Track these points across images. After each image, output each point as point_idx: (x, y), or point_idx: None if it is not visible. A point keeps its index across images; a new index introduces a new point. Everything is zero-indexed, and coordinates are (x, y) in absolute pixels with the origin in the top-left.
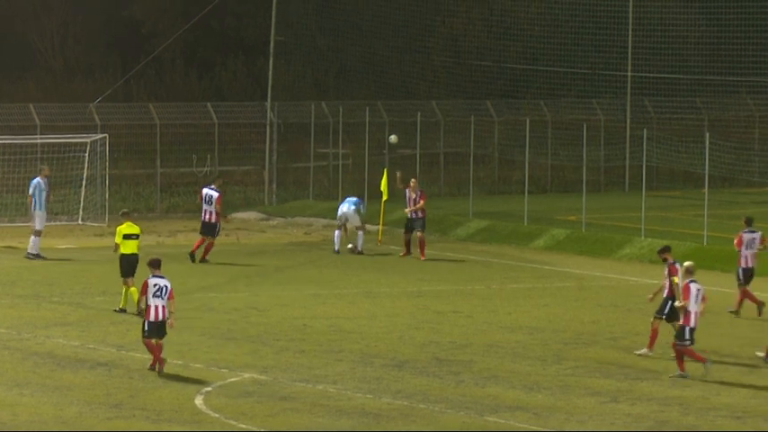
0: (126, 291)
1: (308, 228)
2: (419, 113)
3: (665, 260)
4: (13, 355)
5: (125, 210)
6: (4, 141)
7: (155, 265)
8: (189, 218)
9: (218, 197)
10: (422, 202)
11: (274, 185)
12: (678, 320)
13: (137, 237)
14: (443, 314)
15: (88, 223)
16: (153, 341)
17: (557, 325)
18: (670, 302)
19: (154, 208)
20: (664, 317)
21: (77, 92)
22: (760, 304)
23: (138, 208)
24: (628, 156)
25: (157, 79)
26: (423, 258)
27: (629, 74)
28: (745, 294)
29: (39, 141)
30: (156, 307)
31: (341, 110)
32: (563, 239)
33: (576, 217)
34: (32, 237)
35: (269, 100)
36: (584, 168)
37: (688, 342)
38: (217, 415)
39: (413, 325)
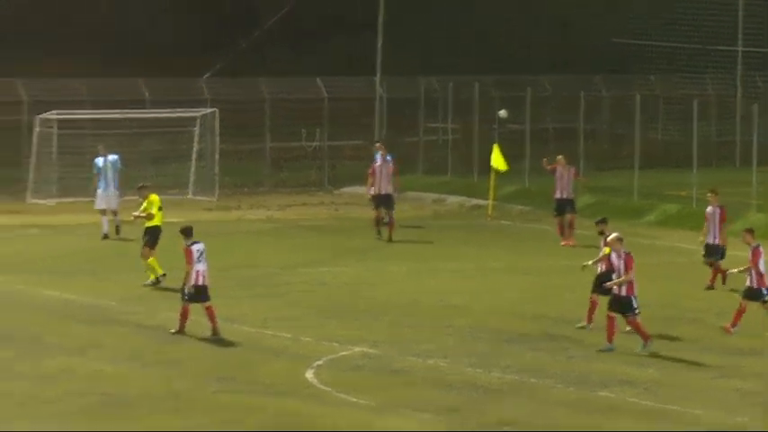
0: (152, 261)
1: (418, 202)
2: (528, 88)
3: (601, 233)
4: (124, 329)
5: (146, 183)
6: (114, 116)
7: (190, 232)
8: (298, 192)
9: (394, 168)
10: (575, 177)
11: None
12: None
13: (161, 209)
14: (553, 289)
15: (198, 197)
16: (190, 306)
17: (666, 300)
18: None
19: (263, 183)
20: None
21: (188, 67)
22: None
23: (246, 182)
24: (739, 131)
25: (267, 54)
26: (571, 244)
27: (740, 49)
28: None
29: (149, 116)
30: (199, 271)
31: (450, 85)
32: (674, 215)
33: (686, 192)
34: (108, 216)
35: (378, 75)
36: (695, 143)
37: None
38: (327, 388)
39: (523, 300)
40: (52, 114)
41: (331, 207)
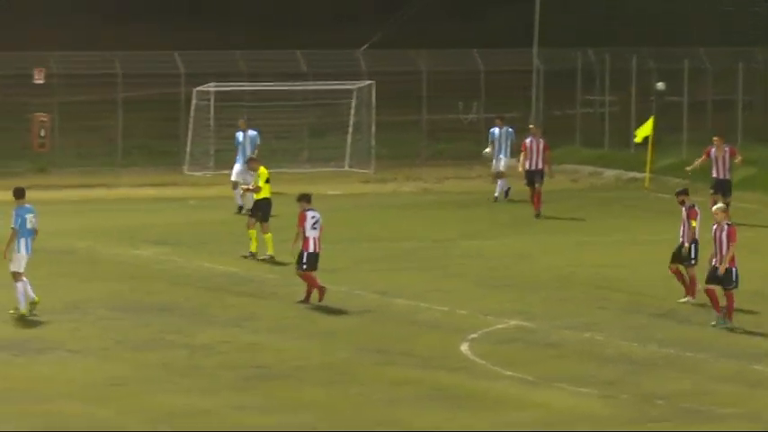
0: (255, 234)
1: (575, 174)
2: (686, 60)
3: (682, 203)
4: (280, 301)
5: (253, 156)
6: (271, 88)
7: (308, 199)
8: (455, 165)
9: (545, 144)
10: (731, 157)
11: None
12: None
13: (268, 181)
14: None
15: (355, 170)
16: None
17: None
18: (694, 246)
19: (419, 155)
20: (693, 262)
21: (344, 39)
22: None
23: (403, 155)
24: None
25: (423, 26)
26: None
27: None
28: None
29: (306, 88)
30: (314, 239)
31: (607, 57)
32: None
33: None
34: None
35: (535, 47)
36: None
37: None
38: (483, 362)
39: None
40: (210, 87)
41: (487, 179)
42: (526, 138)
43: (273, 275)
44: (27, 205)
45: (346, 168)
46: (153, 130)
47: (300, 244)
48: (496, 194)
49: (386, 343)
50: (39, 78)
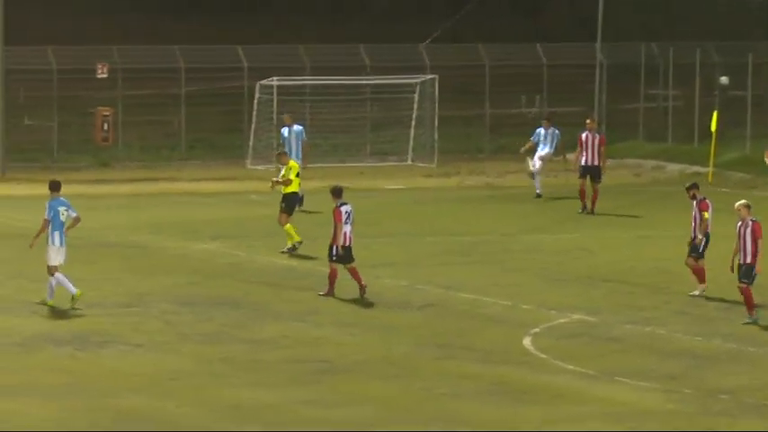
0: (288, 228)
1: (638, 169)
2: (750, 54)
3: (693, 197)
4: (343, 295)
5: (284, 149)
6: (334, 82)
7: (340, 193)
8: (517, 159)
9: (601, 138)
10: None
11: (603, 127)
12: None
13: (298, 175)
14: None
15: (417, 164)
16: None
17: None
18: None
19: (482, 149)
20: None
21: (406, 33)
22: None
23: (465, 149)
24: None
25: (486, 20)
26: None
27: None
28: None
29: (369, 82)
30: (346, 233)
31: (671, 51)
32: None
33: None
34: None
35: (598, 41)
36: None
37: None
38: (544, 356)
39: None
40: (272, 81)
41: (550, 174)
42: (582, 132)
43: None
44: (61, 198)
45: (409, 162)
46: (215, 123)
47: (340, 240)
48: (538, 191)
49: (447, 337)
50: (102, 73)
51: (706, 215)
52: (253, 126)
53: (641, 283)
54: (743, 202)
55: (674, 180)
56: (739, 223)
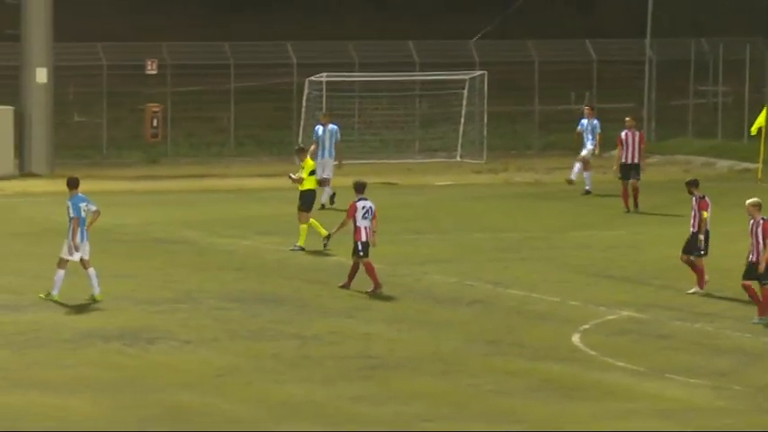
0: (316, 222)
1: (687, 165)
2: None
3: (691, 193)
4: (391, 291)
5: (303, 145)
6: (384, 78)
7: (361, 188)
8: (566, 155)
9: (641, 136)
10: None
11: (653, 123)
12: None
13: (313, 173)
14: None
15: (466, 160)
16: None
17: None
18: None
19: (531, 145)
20: (702, 253)
21: (456, 29)
22: None
23: (514, 145)
24: None
25: (536, 16)
26: None
27: None
28: None
29: (418, 78)
30: (366, 228)
31: (720, 47)
32: None
33: None
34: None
35: (648, 37)
36: None
37: None
38: (594, 353)
39: None
40: (321, 77)
41: (599, 170)
42: (622, 131)
43: (384, 266)
44: (80, 194)
45: (458, 159)
46: (264, 120)
47: (349, 232)
48: (587, 187)
49: (496, 334)
50: (151, 69)
51: (705, 214)
52: (302, 122)
53: (691, 279)
54: (752, 200)
55: (724, 177)
56: (752, 221)
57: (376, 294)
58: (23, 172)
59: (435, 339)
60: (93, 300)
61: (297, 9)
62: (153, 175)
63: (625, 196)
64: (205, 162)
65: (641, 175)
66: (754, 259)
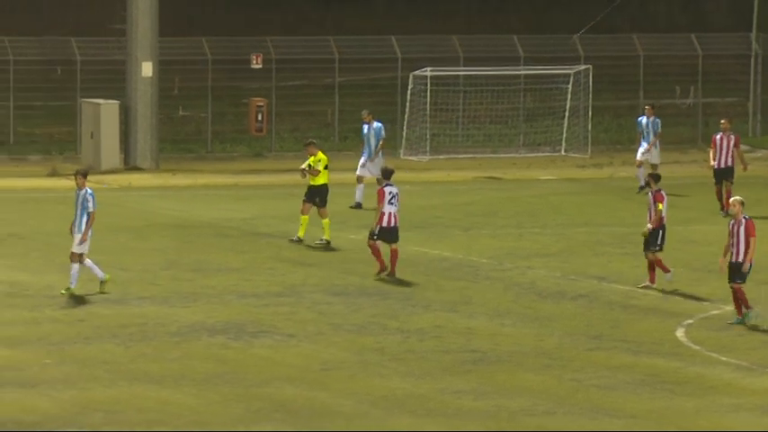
0: (307, 220)
1: None
2: None
3: (649, 186)
4: (495, 286)
5: (313, 139)
6: (489, 72)
7: (388, 175)
8: (671, 149)
9: (736, 139)
10: None
11: (758, 117)
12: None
13: (327, 167)
14: None
15: (570, 154)
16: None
17: None
18: (661, 232)
19: (635, 140)
20: (658, 248)
21: (561, 23)
22: None
23: (619, 139)
24: None
25: (641, 9)
26: None
27: None
28: None
29: (522, 73)
30: (390, 213)
31: None
32: None
33: None
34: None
35: (754, 31)
36: None
37: None
38: (697, 347)
39: None
40: (426, 71)
41: (703, 165)
42: (716, 134)
43: (487, 260)
44: (88, 188)
45: (562, 153)
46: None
47: (384, 219)
48: (641, 183)
49: (600, 328)
50: (256, 63)
51: (660, 206)
52: (406, 117)
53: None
54: (737, 198)
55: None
56: (732, 221)
57: (380, 276)
58: (129, 166)
59: (539, 334)
60: (69, 291)
61: (401, 3)
62: (258, 169)
63: (719, 197)
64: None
65: (733, 178)
66: (737, 259)
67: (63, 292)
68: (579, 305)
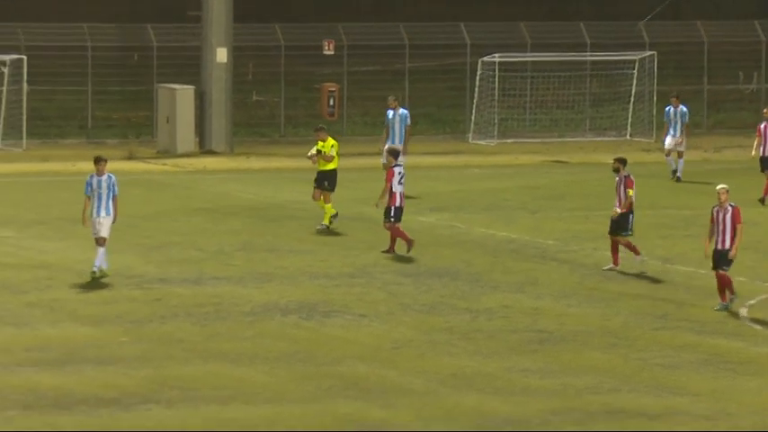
0: (324, 204)
1: None
2: None
3: (617, 170)
4: (561, 267)
5: (322, 125)
6: (555, 58)
7: (396, 155)
8: (734, 134)
9: None
10: None
11: None
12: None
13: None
14: None
15: (636, 138)
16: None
17: None
18: (631, 216)
19: (700, 124)
20: (630, 232)
21: (626, 10)
22: None
23: None
24: None
25: None
26: None
27: None
28: None
29: (588, 59)
30: (399, 193)
31: None
32: None
33: None
34: None
35: None
36: None
37: None
38: (759, 327)
39: None
40: (494, 57)
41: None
42: (761, 123)
43: (554, 242)
44: (110, 174)
45: (627, 137)
46: (438, 99)
47: (387, 199)
48: (678, 173)
49: (665, 308)
50: (328, 49)
51: (631, 192)
52: (475, 101)
53: None
54: (724, 186)
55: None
56: (716, 208)
57: (391, 253)
58: (203, 150)
59: (604, 314)
60: (99, 275)
61: None
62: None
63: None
64: (380, 140)
65: None
66: (723, 246)
67: (94, 272)
68: (644, 286)
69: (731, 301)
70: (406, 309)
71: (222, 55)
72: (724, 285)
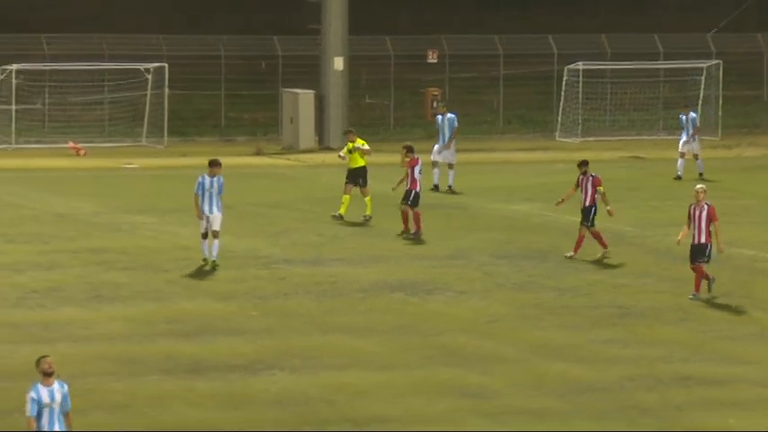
0: (349, 200)
1: None
2: None
3: (584, 173)
4: (637, 250)
5: (351, 128)
6: (633, 66)
7: (413, 149)
8: None
9: None
10: None
11: None
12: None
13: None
14: None
15: (704, 137)
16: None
17: None
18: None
19: (760, 124)
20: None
21: (696, 23)
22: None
23: (746, 124)
24: None
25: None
26: None
27: None
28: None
29: (661, 66)
30: (419, 181)
31: None
32: None
33: None
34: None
35: None
36: None
37: None
38: None
39: None
40: (578, 65)
41: None
42: None
43: (631, 228)
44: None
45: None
46: (529, 102)
47: (408, 184)
48: (699, 171)
49: (729, 287)
50: (432, 58)
51: (602, 189)
52: (561, 104)
53: None
54: (703, 186)
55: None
56: (693, 206)
57: (417, 237)
58: (322, 146)
59: (676, 292)
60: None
61: (557, 4)
62: (431, 150)
63: None
64: (477, 138)
65: None
66: (697, 241)
67: (203, 262)
68: (711, 268)
69: (711, 281)
70: (500, 287)
71: (339, 63)
72: (700, 277)
